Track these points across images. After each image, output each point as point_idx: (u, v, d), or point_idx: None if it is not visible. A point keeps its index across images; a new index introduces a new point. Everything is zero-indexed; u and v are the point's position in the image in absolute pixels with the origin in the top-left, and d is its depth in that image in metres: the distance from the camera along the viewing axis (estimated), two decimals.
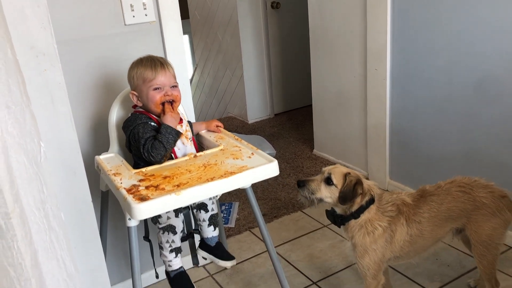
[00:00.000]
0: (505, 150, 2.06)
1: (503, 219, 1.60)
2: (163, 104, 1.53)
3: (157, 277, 1.74)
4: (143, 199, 1.26)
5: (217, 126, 1.73)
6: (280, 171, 3.04)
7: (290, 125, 3.90)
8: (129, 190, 1.31)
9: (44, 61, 0.96)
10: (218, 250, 1.69)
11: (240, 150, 1.54)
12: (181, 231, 1.59)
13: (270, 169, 1.41)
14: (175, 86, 1.56)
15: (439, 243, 1.69)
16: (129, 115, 1.59)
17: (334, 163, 3.10)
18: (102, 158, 1.57)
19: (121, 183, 1.36)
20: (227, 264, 1.66)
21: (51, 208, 1.00)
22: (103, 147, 1.72)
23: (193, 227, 1.78)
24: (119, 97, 1.69)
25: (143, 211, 1.22)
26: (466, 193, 1.60)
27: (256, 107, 4.06)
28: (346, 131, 2.97)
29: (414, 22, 2.30)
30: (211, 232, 1.68)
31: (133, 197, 1.27)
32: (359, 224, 1.58)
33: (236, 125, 4.01)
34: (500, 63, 1.98)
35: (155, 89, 1.51)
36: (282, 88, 4.15)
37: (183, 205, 1.28)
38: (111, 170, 1.46)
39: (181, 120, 1.59)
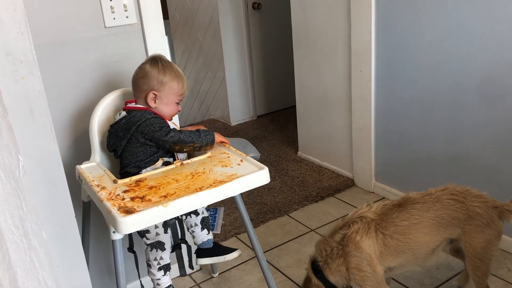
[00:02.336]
0: (491, 152, 2.05)
1: (497, 230, 1.58)
2: None
3: None
4: (128, 211, 1.19)
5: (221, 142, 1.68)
6: None
7: (273, 127, 3.86)
8: (113, 202, 1.25)
9: (22, 69, 0.89)
10: (219, 249, 1.65)
11: (229, 157, 1.49)
12: (170, 247, 1.53)
13: (261, 177, 1.36)
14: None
15: (438, 252, 1.65)
16: (120, 114, 1.52)
17: (318, 166, 3.09)
18: (84, 167, 1.50)
19: (105, 194, 1.29)
20: (234, 255, 1.69)
21: (31, 225, 0.93)
22: (84, 155, 1.65)
23: (180, 237, 1.72)
24: (102, 102, 1.62)
25: (129, 224, 1.16)
26: (458, 202, 1.57)
27: (238, 109, 4.01)
28: (330, 132, 2.94)
29: (398, 21, 2.29)
30: (206, 236, 1.63)
31: (118, 210, 1.21)
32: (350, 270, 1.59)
33: (219, 128, 3.95)
34: (485, 64, 1.97)
35: (177, 102, 1.57)
36: (264, 90, 4.11)
37: (171, 217, 1.23)
38: (93, 180, 1.39)
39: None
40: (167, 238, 1.52)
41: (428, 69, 2.22)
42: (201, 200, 1.26)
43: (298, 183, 2.86)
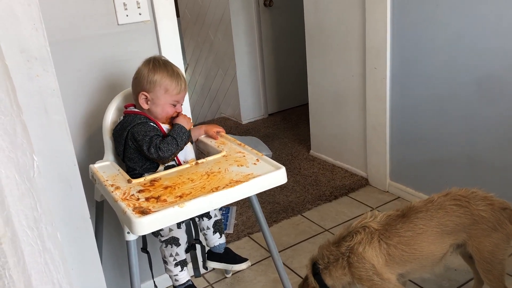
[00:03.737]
0: (510, 152, 2.00)
1: (505, 233, 1.53)
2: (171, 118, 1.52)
3: None
4: (144, 212, 1.17)
5: (217, 131, 1.64)
6: None
7: (285, 125, 3.82)
8: (128, 203, 1.22)
9: (36, 66, 0.86)
10: (229, 256, 1.61)
11: (244, 156, 1.45)
12: (186, 242, 1.51)
13: (278, 176, 1.33)
14: (182, 104, 1.55)
15: (445, 258, 1.62)
16: (121, 118, 1.50)
17: (332, 165, 3.04)
18: (97, 167, 1.47)
19: (119, 194, 1.27)
20: (243, 266, 1.62)
21: (45, 227, 0.90)
22: (98, 154, 1.62)
23: (194, 237, 1.69)
24: (115, 100, 1.60)
25: (144, 225, 1.14)
26: (462, 207, 1.54)
27: (249, 107, 3.97)
28: (344, 131, 2.90)
29: (414, 18, 2.24)
30: (217, 240, 1.60)
31: (133, 211, 1.18)
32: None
33: (230, 126, 3.92)
34: (503, 61, 1.92)
35: (173, 104, 1.49)
36: (276, 88, 4.07)
37: (188, 217, 1.20)
38: (107, 180, 1.37)
39: None
40: (181, 234, 1.49)
41: (445, 66, 2.17)
42: (217, 201, 1.23)
43: (311, 182, 2.82)
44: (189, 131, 1.49)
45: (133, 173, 1.46)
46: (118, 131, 1.47)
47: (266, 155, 3.12)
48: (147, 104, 1.47)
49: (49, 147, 0.90)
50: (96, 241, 1.65)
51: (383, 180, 2.68)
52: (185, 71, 4.55)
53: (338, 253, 1.60)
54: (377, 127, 2.61)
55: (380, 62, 2.46)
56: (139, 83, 1.47)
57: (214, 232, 1.58)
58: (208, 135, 1.64)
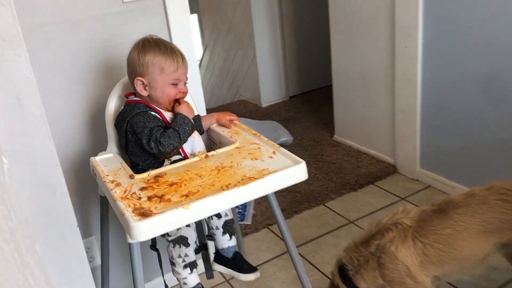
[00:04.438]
0: None
1: None
2: (175, 100, 1.35)
3: (166, 287, 1.54)
4: (144, 214, 1.03)
5: (231, 120, 1.48)
6: None
7: (307, 108, 3.64)
8: (128, 202, 1.09)
9: (5, 49, 0.72)
10: (237, 262, 1.46)
11: (260, 148, 1.30)
12: (195, 242, 1.37)
13: (297, 173, 1.17)
14: (186, 82, 1.38)
15: (487, 259, 1.45)
16: (122, 106, 1.36)
17: (357, 150, 2.86)
18: (99, 159, 1.34)
19: (119, 193, 1.14)
20: (250, 277, 1.44)
21: (22, 239, 0.77)
22: (102, 145, 1.49)
23: (206, 234, 1.55)
24: (117, 87, 1.46)
25: (144, 230, 1.00)
26: (508, 202, 1.36)
27: (270, 90, 3.80)
28: (370, 114, 2.71)
29: None
30: (226, 242, 1.45)
31: (133, 212, 1.05)
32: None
33: (249, 109, 3.76)
34: None
35: (173, 84, 1.32)
36: (297, 69, 3.87)
37: (193, 220, 1.06)
38: (107, 175, 1.24)
39: None
40: (190, 232, 1.35)
41: (483, 44, 1.95)
42: (227, 201, 1.08)
43: (334, 170, 2.66)
44: (193, 121, 1.34)
45: (136, 169, 1.33)
46: (119, 122, 1.34)
47: (286, 141, 2.98)
48: (146, 90, 1.32)
49: (25, 145, 0.77)
50: (102, 240, 1.55)
51: (412, 167, 2.50)
52: (203, 53, 4.39)
53: (367, 253, 1.44)
54: (406, 111, 2.42)
55: (410, 39, 2.25)
56: (133, 69, 1.33)
57: (224, 233, 1.44)
58: (221, 124, 1.49)
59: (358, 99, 2.77)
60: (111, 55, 1.55)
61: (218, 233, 1.44)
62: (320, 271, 1.95)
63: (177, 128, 1.27)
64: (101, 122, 1.52)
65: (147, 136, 1.25)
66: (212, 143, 1.50)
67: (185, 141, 1.29)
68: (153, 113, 1.32)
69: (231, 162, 1.24)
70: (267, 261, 2.04)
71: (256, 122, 3.08)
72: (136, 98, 1.35)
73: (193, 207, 1.04)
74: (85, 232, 1.69)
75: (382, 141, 2.69)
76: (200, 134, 1.47)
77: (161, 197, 1.10)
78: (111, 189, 1.15)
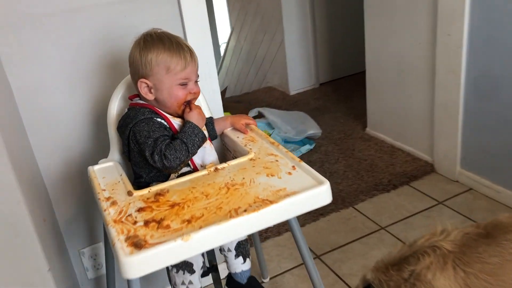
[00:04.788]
0: None
1: None
2: (185, 103, 1.18)
3: None
4: (137, 245, 0.88)
5: (247, 124, 1.31)
6: (327, 154, 2.64)
7: (338, 97, 3.42)
8: (122, 227, 0.94)
9: None
10: None
11: (277, 161, 1.12)
12: (201, 268, 1.23)
13: (319, 195, 0.99)
14: (197, 81, 1.21)
15: None
16: (126, 110, 1.21)
17: (391, 146, 2.65)
18: (97, 169, 1.20)
19: (113, 214, 0.99)
20: None
21: None
22: (108, 146, 1.36)
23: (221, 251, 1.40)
24: (121, 85, 1.31)
25: (136, 267, 0.85)
26: None
27: (298, 76, 3.59)
28: (407, 107, 2.48)
29: None
30: (240, 266, 1.30)
31: (125, 241, 0.90)
32: None
33: (276, 97, 3.57)
34: None
35: (182, 84, 1.16)
36: (328, 54, 3.64)
37: (193, 254, 0.90)
38: (104, 190, 1.10)
39: None
40: (196, 258, 1.21)
41: None
42: (235, 231, 0.92)
43: (366, 167, 2.46)
44: (203, 132, 1.17)
45: (139, 181, 1.18)
46: (121, 128, 1.19)
47: (314, 134, 2.78)
48: (151, 93, 1.17)
49: None
50: (105, 246, 1.42)
51: (452, 167, 2.27)
52: (230, 36, 4.20)
53: (399, 279, 1.25)
54: (448, 105, 2.19)
55: (455, 27, 2.01)
56: (135, 70, 1.17)
57: (237, 256, 1.28)
58: (236, 128, 1.32)
59: (393, 89, 2.55)
60: (117, 49, 1.40)
61: (230, 255, 1.28)
62: (346, 284, 1.78)
63: (185, 140, 1.11)
64: (104, 122, 1.38)
65: (150, 148, 1.10)
66: (225, 149, 1.33)
67: (193, 154, 1.14)
68: (159, 119, 1.16)
69: (243, 178, 1.07)
70: (289, 270, 1.89)
71: (282, 113, 2.89)
72: (141, 102, 1.20)
73: (194, 239, 0.88)
74: (92, 239, 1.58)
75: (419, 136, 2.46)
76: (212, 139, 1.31)
77: (159, 222, 0.95)
78: (105, 210, 1.00)
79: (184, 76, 1.15)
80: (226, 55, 4.34)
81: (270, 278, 1.85)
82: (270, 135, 2.68)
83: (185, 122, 1.16)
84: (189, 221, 0.94)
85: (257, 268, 1.86)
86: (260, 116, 2.89)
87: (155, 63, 1.13)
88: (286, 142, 2.73)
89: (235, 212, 0.95)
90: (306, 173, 1.06)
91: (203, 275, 1.27)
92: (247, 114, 2.93)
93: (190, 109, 1.17)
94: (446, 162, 2.30)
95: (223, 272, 1.56)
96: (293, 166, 1.09)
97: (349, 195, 2.25)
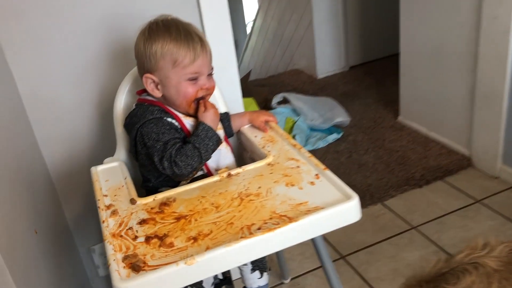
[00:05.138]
0: None
1: None
2: (196, 100, 1.05)
3: None
4: (135, 268, 0.78)
5: (267, 121, 1.18)
6: (355, 144, 2.49)
7: (368, 82, 3.23)
8: (120, 243, 0.84)
9: None
10: None
11: (299, 167, 0.99)
12: (212, 283, 1.12)
13: (346, 212, 0.86)
14: (212, 74, 1.07)
15: None
16: (134, 106, 1.10)
17: (424, 137, 2.47)
18: (100, 170, 1.10)
19: (112, 226, 0.89)
20: None
21: None
22: (115, 143, 1.26)
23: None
24: (128, 78, 1.19)
25: None
26: None
27: (327, 59, 3.40)
28: (444, 95, 2.29)
29: None
30: (256, 281, 1.19)
31: (123, 261, 0.80)
32: None
33: (303, 81, 3.41)
34: None
35: (191, 79, 1.02)
36: (359, 35, 3.43)
37: (198, 280, 0.79)
38: (105, 195, 0.99)
39: None
40: None
41: None
42: (246, 254, 0.80)
43: (397, 160, 2.30)
44: (218, 134, 1.04)
45: (147, 185, 1.08)
46: (127, 126, 1.08)
47: (342, 122, 2.62)
48: (158, 89, 1.04)
49: None
50: None
51: (492, 162, 2.09)
52: (256, 15, 4.03)
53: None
54: (490, 95, 1.99)
55: (502, 8, 1.81)
56: (140, 63, 1.05)
57: (253, 270, 1.17)
58: (254, 126, 1.19)
59: (429, 75, 2.36)
60: (125, 37, 1.28)
61: (246, 269, 1.17)
62: None
63: (197, 145, 0.99)
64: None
65: (159, 153, 0.98)
66: (242, 149, 1.21)
67: (207, 159, 1.02)
68: (169, 119, 1.04)
69: (259, 187, 0.95)
70: (311, 271, 1.77)
71: (308, 99, 2.74)
72: (149, 98, 1.08)
73: (198, 263, 0.77)
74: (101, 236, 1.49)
75: (456, 127, 2.28)
76: (229, 137, 1.18)
77: (162, 239, 0.84)
78: (103, 221, 0.90)
79: (194, 70, 1.02)
80: (252, 35, 4.18)
81: (291, 279, 1.74)
82: (295, 123, 2.55)
83: (198, 124, 1.03)
84: (195, 239, 0.83)
85: (277, 268, 1.75)
86: (285, 101, 2.75)
87: (160, 56, 1.00)
88: (312, 130, 2.58)
89: (248, 230, 0.83)
90: (331, 183, 0.93)
91: (216, 287, 1.17)
92: (271, 99, 2.79)
93: (205, 108, 1.03)
94: (486, 156, 2.12)
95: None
96: (317, 175, 0.96)
97: (378, 190, 2.10)
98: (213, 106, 1.04)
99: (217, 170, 1.07)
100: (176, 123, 1.04)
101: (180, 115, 1.06)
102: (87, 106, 1.32)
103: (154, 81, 1.04)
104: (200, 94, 1.05)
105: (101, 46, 1.29)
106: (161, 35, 1.00)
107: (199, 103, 1.05)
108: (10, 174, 1.00)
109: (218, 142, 1.03)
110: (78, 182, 1.40)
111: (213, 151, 1.02)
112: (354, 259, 1.79)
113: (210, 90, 1.07)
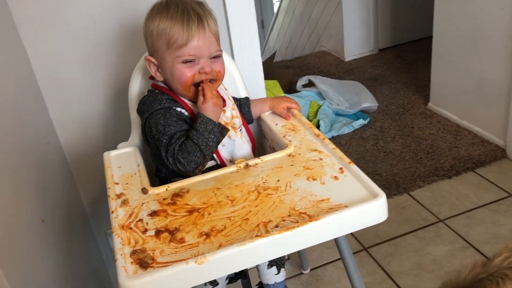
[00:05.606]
0: None
1: None
2: (196, 85, 0.96)
3: None
4: (143, 264, 0.73)
5: (289, 108, 1.11)
6: (382, 131, 2.39)
7: (398, 66, 3.10)
8: (129, 235, 0.79)
9: None
10: None
11: (321, 160, 0.92)
12: (226, 279, 1.07)
13: (371, 212, 0.79)
14: (217, 57, 0.98)
15: None
16: (146, 92, 1.04)
17: (456, 125, 2.35)
18: (113, 156, 1.05)
19: (121, 217, 0.84)
20: None
21: None
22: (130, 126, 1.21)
23: None
24: (143, 60, 1.13)
25: None
26: None
27: (355, 41, 3.28)
28: (479, 82, 2.17)
29: None
30: (273, 277, 1.13)
31: (131, 256, 0.75)
32: None
33: (330, 63, 3.30)
34: None
35: (186, 61, 0.94)
36: (390, 16, 3.29)
37: (208, 280, 0.74)
38: (117, 183, 0.95)
39: (223, 101, 1.02)
40: None
41: None
42: (261, 254, 0.74)
43: (425, 148, 2.20)
44: (220, 124, 0.96)
45: (159, 175, 1.02)
46: (139, 112, 1.02)
47: (369, 107, 2.52)
48: (159, 73, 0.99)
49: None
50: None
51: None
52: None
53: None
54: None
55: None
56: (146, 44, 0.99)
57: (270, 266, 1.11)
58: (276, 113, 1.12)
59: (464, 60, 2.23)
60: (144, 15, 1.22)
61: (263, 264, 1.12)
62: (395, 283, 1.59)
63: (195, 140, 0.92)
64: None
65: (165, 147, 0.93)
66: (262, 137, 1.15)
67: (211, 153, 0.95)
68: (178, 109, 0.98)
69: (278, 180, 0.88)
70: (331, 262, 1.71)
71: (335, 82, 2.64)
72: (161, 84, 1.02)
73: (209, 262, 0.72)
74: None
75: (490, 116, 2.16)
76: (248, 123, 1.12)
77: (173, 233, 0.79)
78: (112, 211, 0.86)
79: (188, 51, 0.93)
80: (278, 14, 4.07)
81: (311, 270, 1.69)
82: (320, 107, 2.46)
83: (197, 116, 0.95)
84: (207, 235, 0.77)
85: (296, 257, 1.70)
86: (310, 84, 2.66)
87: (156, 36, 0.94)
88: (337, 115, 2.49)
89: (264, 228, 0.77)
90: (356, 179, 0.85)
91: (231, 281, 1.12)
92: (296, 81, 2.71)
93: (204, 97, 0.94)
94: None
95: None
96: (341, 169, 0.89)
97: (405, 180, 2.02)
98: (213, 96, 0.94)
99: (231, 161, 1.01)
100: (186, 113, 0.98)
101: (189, 103, 0.99)
102: (102, 88, 1.27)
103: (154, 63, 0.98)
104: (197, 79, 0.96)
105: (117, 27, 1.23)
106: (158, 14, 0.94)
107: (198, 91, 0.97)
108: (21, 159, 0.96)
109: (222, 131, 0.95)
110: (95, 165, 1.36)
111: (217, 143, 0.95)
112: (376, 251, 1.72)
113: (212, 75, 0.98)
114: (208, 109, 0.93)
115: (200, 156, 0.92)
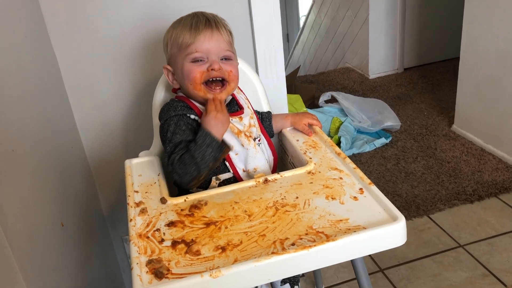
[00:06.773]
0: None
1: None
2: (206, 83, 0.98)
3: None
4: (158, 274, 0.73)
5: (310, 124, 1.11)
6: (404, 151, 2.37)
7: (423, 86, 3.07)
8: (145, 244, 0.80)
9: None
10: None
11: (341, 179, 0.92)
12: None
13: (390, 235, 0.78)
14: (228, 59, 0.99)
15: None
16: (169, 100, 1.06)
17: (480, 149, 2.31)
18: (135, 164, 1.06)
19: (139, 226, 0.85)
20: None
21: None
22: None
23: None
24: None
25: None
26: None
27: (380, 58, 3.27)
28: (505, 105, 2.13)
29: None
30: None
31: (146, 265, 0.75)
32: None
33: (353, 80, 3.29)
34: None
35: (195, 60, 0.97)
36: (417, 36, 3.27)
37: None
38: (136, 192, 0.95)
39: (241, 109, 1.03)
40: None
41: None
42: (276, 271, 0.74)
43: (448, 171, 2.16)
44: (219, 139, 0.94)
45: (178, 185, 1.03)
46: (159, 118, 1.04)
47: (392, 126, 2.49)
48: (176, 80, 1.03)
49: None
50: None
51: None
52: (310, 9, 3.93)
53: None
54: None
55: None
56: (166, 56, 1.04)
57: (283, 283, 1.10)
58: (297, 129, 1.12)
59: (491, 83, 2.19)
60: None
61: (277, 281, 1.11)
62: None
63: (192, 152, 0.91)
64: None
65: (168, 155, 0.94)
66: (283, 152, 1.14)
67: (207, 168, 0.92)
68: (192, 116, 0.98)
69: (297, 197, 0.88)
70: (346, 281, 1.69)
71: (358, 99, 2.63)
72: (181, 94, 1.04)
73: (224, 277, 0.71)
74: None
75: None
76: (270, 137, 1.12)
77: (189, 245, 0.79)
78: (131, 220, 0.86)
79: (196, 48, 0.95)
80: (304, 29, 4.08)
81: (325, 287, 1.67)
82: (342, 123, 2.45)
83: (200, 128, 0.95)
84: (223, 249, 0.77)
85: (311, 275, 1.68)
86: (333, 100, 2.65)
87: (170, 45, 1.00)
88: (359, 132, 2.47)
89: (280, 245, 0.76)
90: (376, 201, 0.84)
91: None
92: (319, 97, 2.70)
93: (206, 110, 0.95)
94: None
95: None
96: (361, 189, 0.88)
97: (425, 202, 1.98)
98: (212, 110, 0.94)
99: (244, 170, 1.01)
100: (199, 120, 0.98)
101: (202, 109, 1.00)
102: (127, 95, 1.29)
103: (170, 71, 1.02)
104: (206, 76, 0.97)
105: (145, 36, 1.25)
106: (172, 26, 1.00)
107: (206, 87, 0.98)
108: (45, 162, 0.98)
109: (221, 148, 0.94)
110: (115, 171, 1.38)
111: (216, 158, 0.93)
112: (393, 274, 1.69)
113: (222, 73, 0.97)
114: (208, 122, 0.93)
115: (195, 170, 0.91)
